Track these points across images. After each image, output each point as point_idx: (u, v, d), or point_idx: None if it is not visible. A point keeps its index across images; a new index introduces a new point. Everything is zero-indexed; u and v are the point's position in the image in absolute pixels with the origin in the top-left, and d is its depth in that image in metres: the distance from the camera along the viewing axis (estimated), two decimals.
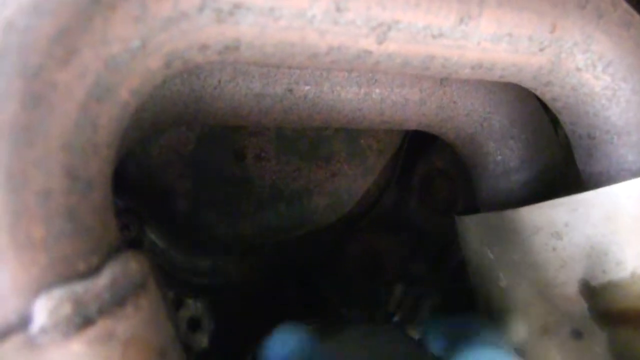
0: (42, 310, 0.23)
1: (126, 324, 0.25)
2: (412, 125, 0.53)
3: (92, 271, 0.25)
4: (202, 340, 0.64)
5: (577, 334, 0.50)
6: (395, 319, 0.73)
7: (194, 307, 0.63)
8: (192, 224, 0.59)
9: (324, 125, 0.50)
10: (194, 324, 0.64)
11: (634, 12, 0.44)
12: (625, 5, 0.44)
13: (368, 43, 0.33)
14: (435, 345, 0.52)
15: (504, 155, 0.54)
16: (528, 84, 0.44)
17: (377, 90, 0.48)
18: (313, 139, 0.59)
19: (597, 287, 0.46)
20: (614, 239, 0.44)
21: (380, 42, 0.33)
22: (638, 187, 0.43)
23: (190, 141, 0.55)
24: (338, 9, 0.31)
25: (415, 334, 0.74)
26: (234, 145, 0.57)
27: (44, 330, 0.23)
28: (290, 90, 0.44)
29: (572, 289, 0.48)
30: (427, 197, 0.73)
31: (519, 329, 0.53)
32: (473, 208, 0.61)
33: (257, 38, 0.30)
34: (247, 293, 0.66)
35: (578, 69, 0.42)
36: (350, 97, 0.47)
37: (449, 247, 0.72)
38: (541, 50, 0.40)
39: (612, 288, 0.45)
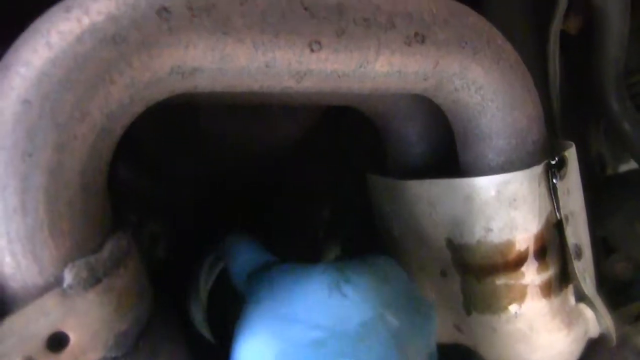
0: (69, 275, 0.37)
1: (120, 280, 0.40)
2: (336, 103, 0.66)
3: (98, 248, 0.39)
4: (161, 252, 0.79)
5: (444, 274, 0.66)
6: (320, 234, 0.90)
7: (154, 226, 0.78)
8: (156, 164, 0.73)
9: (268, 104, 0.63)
10: (154, 239, 0.79)
11: (506, 48, 0.57)
12: (500, 42, 0.57)
13: (289, 84, 0.46)
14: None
15: (407, 131, 0.69)
16: (421, 95, 0.58)
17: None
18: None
19: (456, 245, 0.62)
20: (469, 215, 0.59)
21: (298, 83, 0.46)
22: (488, 182, 0.57)
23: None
24: (267, 66, 0.43)
25: (336, 247, 0.91)
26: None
27: (70, 287, 0.37)
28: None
29: (441, 243, 0.63)
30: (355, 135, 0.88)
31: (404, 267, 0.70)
32: None
33: (210, 86, 0.43)
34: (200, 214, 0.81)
35: (456, 90, 0.56)
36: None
37: None
38: (425, 79, 0.53)
39: (465, 248, 0.61)
